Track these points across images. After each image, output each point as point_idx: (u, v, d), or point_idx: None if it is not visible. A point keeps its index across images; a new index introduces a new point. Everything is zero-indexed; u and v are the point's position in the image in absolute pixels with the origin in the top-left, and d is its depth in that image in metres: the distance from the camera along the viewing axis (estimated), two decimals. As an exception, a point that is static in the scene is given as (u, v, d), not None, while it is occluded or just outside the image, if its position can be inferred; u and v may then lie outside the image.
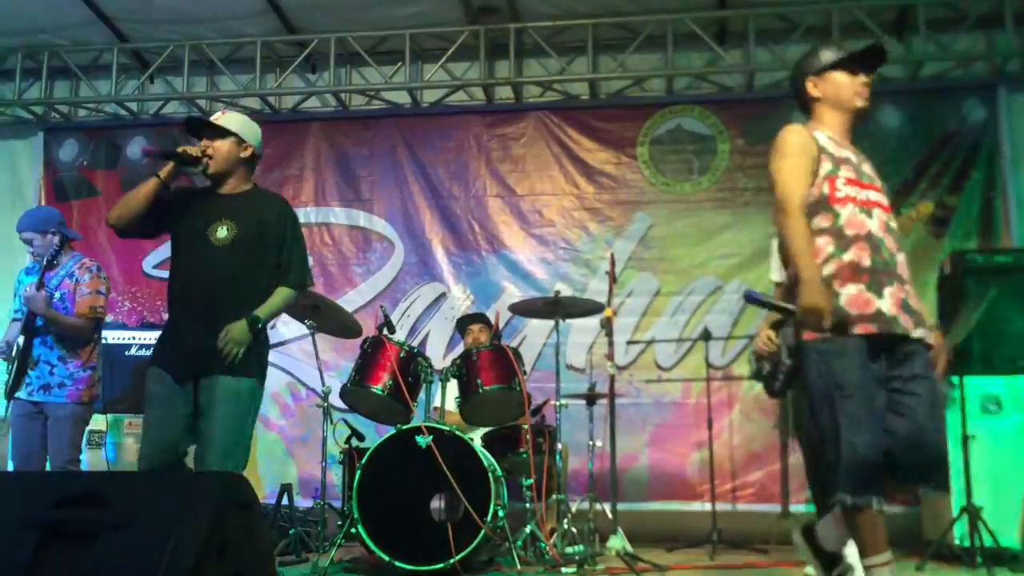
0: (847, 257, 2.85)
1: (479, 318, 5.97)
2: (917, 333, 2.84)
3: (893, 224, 2.96)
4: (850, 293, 2.82)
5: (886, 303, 2.81)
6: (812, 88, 3.07)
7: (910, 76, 6.74)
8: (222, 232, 3.55)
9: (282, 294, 3.66)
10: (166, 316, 3.71)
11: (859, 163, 2.99)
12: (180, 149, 3.59)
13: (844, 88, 3.01)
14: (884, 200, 2.97)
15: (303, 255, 3.81)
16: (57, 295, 4.71)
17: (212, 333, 3.45)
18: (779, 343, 3.12)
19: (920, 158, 6.56)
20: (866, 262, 2.84)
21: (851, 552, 3.20)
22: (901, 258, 2.91)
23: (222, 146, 3.63)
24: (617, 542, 4.83)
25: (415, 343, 6.62)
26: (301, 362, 7.00)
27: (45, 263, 4.67)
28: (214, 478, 2.65)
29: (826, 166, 2.92)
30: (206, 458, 3.39)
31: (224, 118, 3.70)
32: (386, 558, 4.36)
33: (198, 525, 2.10)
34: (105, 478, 2.74)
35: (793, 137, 2.97)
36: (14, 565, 2.05)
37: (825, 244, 2.89)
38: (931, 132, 6.62)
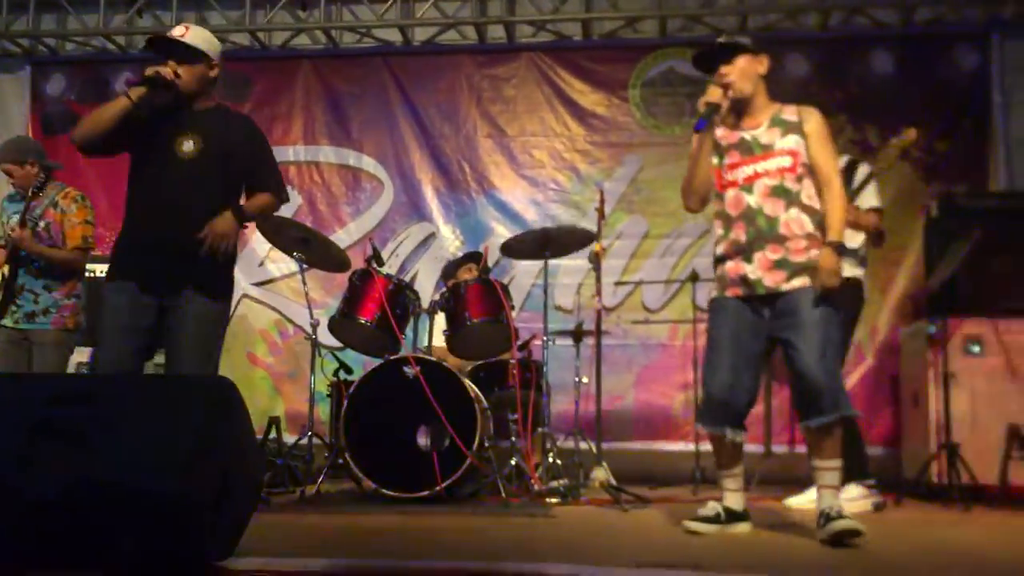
0: (731, 236, 3.46)
1: (468, 259, 5.97)
2: (793, 283, 3.35)
3: (787, 184, 3.40)
4: (728, 266, 3.47)
5: (752, 267, 3.40)
6: None
7: (903, 22, 6.72)
8: (187, 146, 3.54)
9: (263, 197, 3.69)
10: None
11: (757, 136, 3.46)
12: (151, 71, 3.51)
13: (712, 88, 3.46)
14: (780, 162, 3.41)
15: (277, 171, 3.85)
16: (42, 224, 4.70)
17: (178, 245, 3.43)
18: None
19: (912, 104, 6.55)
20: (742, 237, 3.42)
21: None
22: (787, 216, 3.38)
23: (194, 70, 3.59)
24: (601, 473, 4.89)
25: (404, 281, 6.62)
26: (289, 300, 7.02)
27: (29, 196, 4.64)
28: (202, 381, 2.67)
29: (714, 160, 3.54)
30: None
31: (191, 36, 3.61)
32: (373, 485, 4.41)
33: (187, 425, 2.13)
34: (95, 380, 2.76)
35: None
36: (6, 461, 2.07)
37: (718, 227, 3.54)
38: (923, 78, 6.61)
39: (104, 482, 2.06)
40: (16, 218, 4.65)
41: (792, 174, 3.41)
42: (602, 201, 5.36)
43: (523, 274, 6.77)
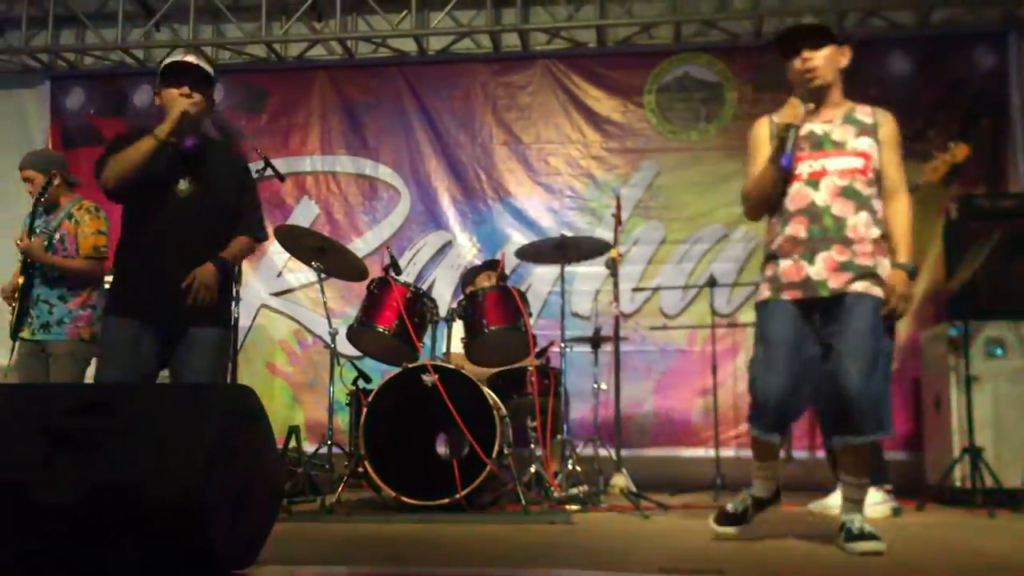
0: (788, 231, 3.27)
1: (486, 267, 5.97)
2: (856, 286, 3.19)
3: (858, 186, 3.23)
4: (785, 265, 3.27)
5: (817, 268, 3.22)
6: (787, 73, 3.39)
7: (920, 22, 6.69)
8: (183, 185, 3.60)
9: (241, 242, 3.78)
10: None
11: (829, 131, 3.30)
12: (181, 110, 3.52)
13: (793, 72, 3.34)
14: (852, 163, 3.24)
15: (259, 209, 3.93)
16: (57, 236, 4.75)
17: (179, 282, 3.52)
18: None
19: (930, 105, 6.52)
20: (802, 234, 3.25)
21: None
22: (856, 219, 3.21)
23: (206, 96, 3.64)
24: (621, 480, 4.88)
25: (421, 289, 6.64)
26: (307, 309, 7.05)
27: (34, 203, 4.70)
28: (222, 389, 2.68)
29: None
30: None
31: (205, 62, 3.64)
32: (392, 493, 4.42)
33: (206, 434, 2.14)
34: (114, 389, 2.78)
35: (750, 135, 3.46)
36: (25, 471, 2.09)
37: (776, 222, 3.36)
38: (941, 79, 6.58)
39: (121, 489, 2.07)
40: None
41: (863, 177, 3.25)
42: (619, 207, 5.35)
43: (540, 281, 6.77)
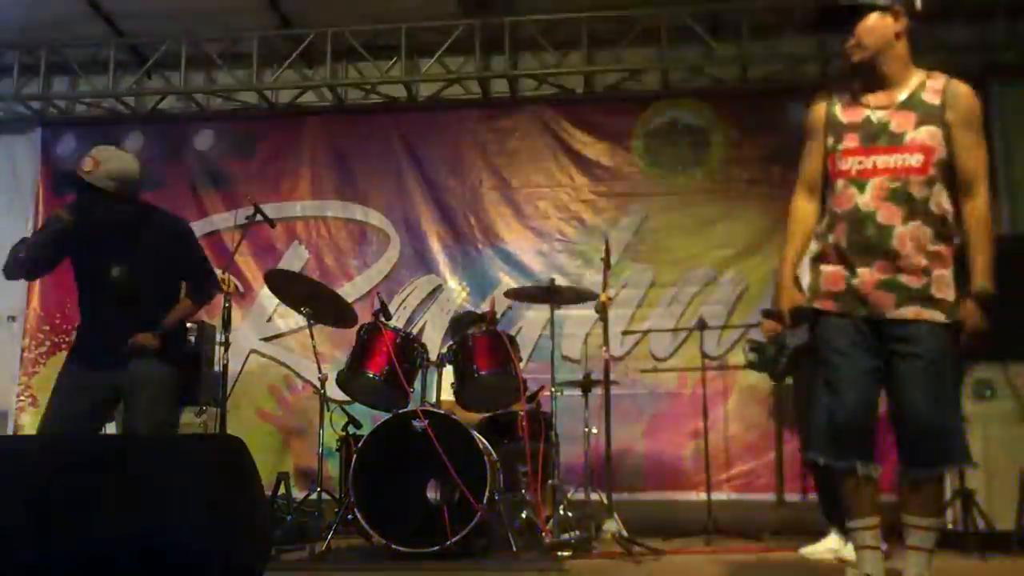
0: (831, 238, 2.93)
1: (479, 319, 5.93)
2: (902, 312, 2.80)
3: (912, 188, 2.81)
4: (827, 272, 2.94)
5: (858, 282, 2.86)
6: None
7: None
8: (115, 272, 3.88)
9: (182, 308, 4.06)
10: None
11: (886, 119, 2.88)
12: (55, 218, 3.85)
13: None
14: (907, 160, 2.82)
15: (203, 267, 4.17)
16: None
17: (124, 339, 3.83)
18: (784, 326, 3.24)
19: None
20: (843, 242, 2.89)
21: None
22: (905, 228, 2.80)
23: (108, 204, 3.81)
24: (613, 525, 4.85)
25: (411, 334, 6.62)
26: (297, 354, 7.03)
27: None
28: (211, 441, 2.67)
29: (829, 141, 2.98)
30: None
31: (98, 174, 3.78)
32: (383, 540, 4.38)
33: (196, 486, 2.13)
34: (107, 443, 2.77)
35: (806, 119, 3.09)
36: (22, 526, 2.07)
37: (823, 221, 2.99)
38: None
39: (117, 544, 2.06)
40: None
41: (920, 176, 2.81)
42: (607, 251, 5.38)
43: (530, 325, 6.77)
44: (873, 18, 2.87)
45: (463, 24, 6.97)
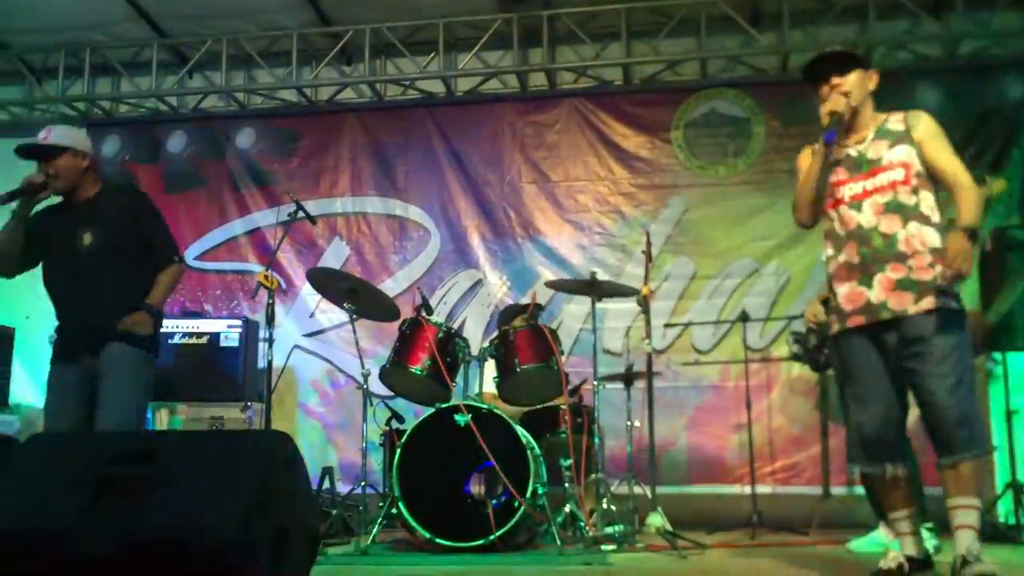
0: (842, 258, 3.27)
1: (521, 310, 5.94)
2: (921, 305, 3.11)
3: (902, 198, 3.18)
4: (843, 292, 3.27)
5: (875, 291, 3.18)
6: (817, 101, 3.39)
7: (948, 54, 6.68)
8: (87, 239, 3.82)
9: (168, 274, 3.98)
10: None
11: (863, 150, 3.29)
12: (25, 182, 3.80)
13: (822, 99, 3.33)
14: (892, 176, 3.21)
15: (166, 233, 4.09)
16: None
17: (100, 321, 3.75)
18: (828, 316, 3.47)
19: (960, 137, 6.43)
20: (855, 259, 3.23)
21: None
22: (907, 232, 3.16)
23: (62, 164, 3.83)
24: (657, 519, 4.83)
25: (452, 328, 6.64)
26: (339, 350, 7.08)
27: None
28: (259, 436, 2.70)
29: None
30: (100, 419, 3.72)
31: (52, 135, 3.86)
32: (427, 535, 4.40)
33: (244, 481, 2.15)
34: (155, 437, 2.80)
35: (796, 165, 3.48)
36: (70, 518, 2.11)
37: (828, 247, 3.35)
38: (970, 110, 6.53)
39: (163, 538, 2.08)
40: None
41: (906, 186, 3.20)
42: (649, 244, 5.35)
43: (570, 318, 6.76)
44: (857, 74, 3.30)
45: (500, 18, 6.97)
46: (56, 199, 3.99)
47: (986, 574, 2.94)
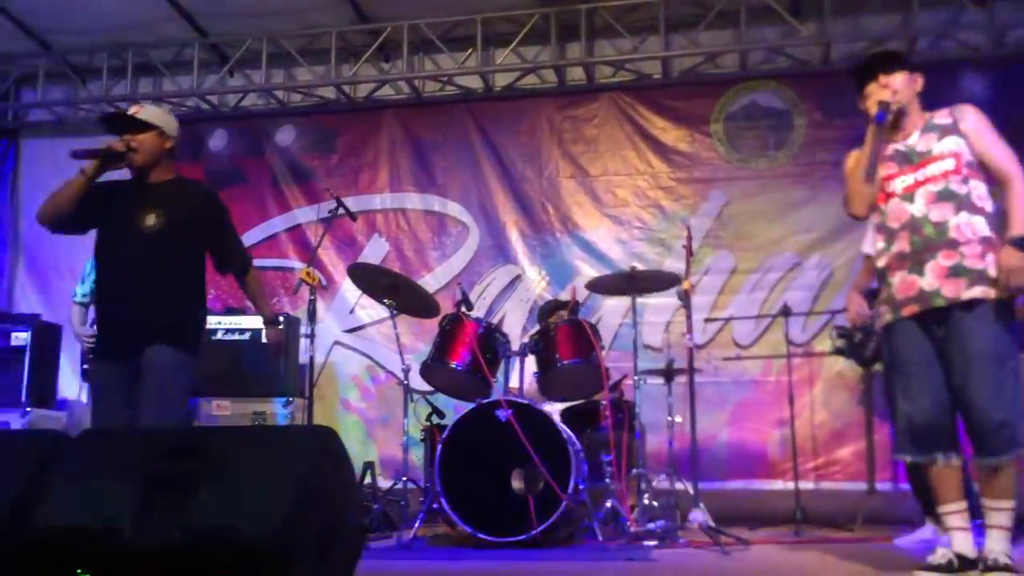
0: (894, 248, 3.29)
1: (561, 306, 5.94)
2: (974, 291, 3.12)
3: (953, 187, 3.20)
4: (896, 281, 3.28)
5: (927, 279, 3.19)
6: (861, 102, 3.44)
7: (994, 43, 6.55)
8: (151, 220, 3.70)
9: (256, 281, 4.07)
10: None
11: (912, 144, 3.32)
12: (106, 146, 3.70)
13: (882, 90, 3.33)
14: (943, 166, 3.23)
15: (238, 237, 4.12)
16: None
17: (147, 316, 3.66)
18: (873, 311, 3.34)
19: (1008, 127, 6.32)
20: (907, 248, 3.24)
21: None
22: (958, 219, 3.17)
23: (145, 140, 3.76)
24: (699, 515, 4.80)
25: (492, 324, 6.65)
26: (380, 345, 7.12)
27: None
28: (308, 432, 2.72)
29: None
30: (143, 420, 3.60)
31: (144, 112, 3.82)
32: (468, 530, 4.41)
33: (294, 477, 2.17)
34: (204, 432, 2.83)
35: (845, 165, 3.50)
36: (123, 515, 2.14)
37: (879, 240, 3.36)
38: (1019, 99, 6.40)
39: (214, 532, 2.10)
40: None
41: (957, 176, 3.21)
42: (689, 238, 5.31)
43: (610, 313, 6.73)
44: (903, 75, 3.33)
45: (538, 13, 6.95)
46: (126, 177, 3.87)
47: None
